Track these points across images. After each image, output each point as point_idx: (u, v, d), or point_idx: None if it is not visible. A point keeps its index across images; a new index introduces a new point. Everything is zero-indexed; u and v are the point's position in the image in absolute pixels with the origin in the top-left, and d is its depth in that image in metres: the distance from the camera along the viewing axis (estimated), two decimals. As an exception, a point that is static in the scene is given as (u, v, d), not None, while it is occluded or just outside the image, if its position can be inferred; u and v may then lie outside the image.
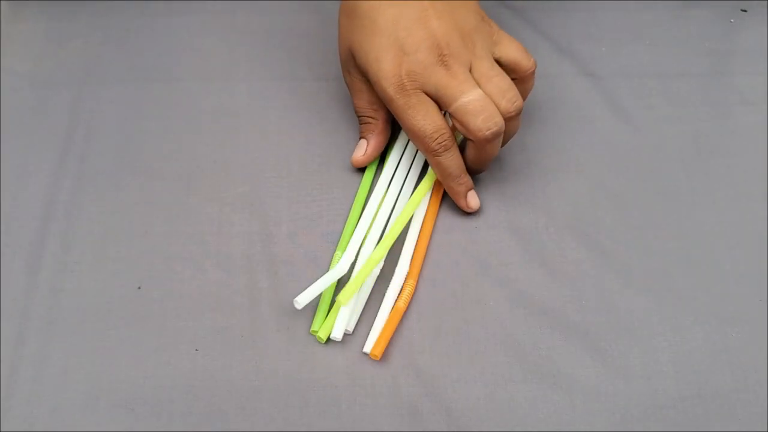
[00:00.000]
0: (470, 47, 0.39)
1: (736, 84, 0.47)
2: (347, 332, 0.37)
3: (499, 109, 0.38)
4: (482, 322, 0.38)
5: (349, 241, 0.39)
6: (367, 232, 0.39)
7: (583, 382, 0.36)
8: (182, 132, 0.44)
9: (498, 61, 0.40)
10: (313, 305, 0.37)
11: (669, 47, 0.49)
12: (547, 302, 0.38)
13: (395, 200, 0.41)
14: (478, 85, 0.38)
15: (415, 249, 0.39)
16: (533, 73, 0.41)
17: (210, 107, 0.45)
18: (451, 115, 0.38)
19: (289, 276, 0.39)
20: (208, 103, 0.45)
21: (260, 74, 0.47)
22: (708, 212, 0.42)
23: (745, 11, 0.51)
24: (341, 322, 0.36)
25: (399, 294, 0.38)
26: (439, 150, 0.39)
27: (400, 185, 0.42)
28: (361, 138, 0.42)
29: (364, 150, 0.42)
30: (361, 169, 0.43)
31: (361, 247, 0.39)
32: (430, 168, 0.41)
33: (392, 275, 0.38)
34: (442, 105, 0.38)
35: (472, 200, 0.41)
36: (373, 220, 0.40)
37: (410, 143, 0.43)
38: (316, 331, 0.37)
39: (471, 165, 0.41)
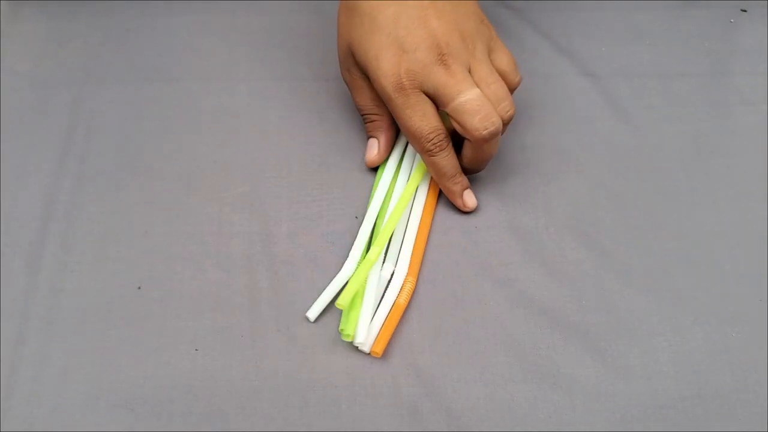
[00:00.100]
0: (470, 49, 0.39)
1: (736, 84, 0.47)
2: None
3: None
4: (482, 322, 0.38)
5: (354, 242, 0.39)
6: (374, 232, 0.40)
7: (583, 382, 0.36)
8: (182, 132, 0.44)
9: None
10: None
11: (669, 47, 0.49)
12: (547, 302, 0.38)
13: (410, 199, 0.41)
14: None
15: (414, 246, 0.39)
16: (515, 89, 0.41)
17: (210, 107, 0.45)
18: (449, 116, 0.38)
19: (289, 276, 0.39)
20: (208, 103, 0.45)
21: (260, 74, 0.47)
22: (708, 212, 0.42)
23: (745, 11, 0.51)
24: (363, 327, 0.36)
25: (399, 291, 0.38)
26: (434, 150, 0.39)
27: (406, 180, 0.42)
28: (369, 137, 0.42)
29: (376, 149, 0.42)
30: (364, 168, 0.43)
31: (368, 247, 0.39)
32: (418, 162, 0.41)
33: (391, 274, 0.39)
34: (439, 104, 0.38)
35: (469, 199, 0.41)
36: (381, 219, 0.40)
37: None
38: (343, 330, 0.36)
39: (468, 165, 0.41)
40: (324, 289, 0.38)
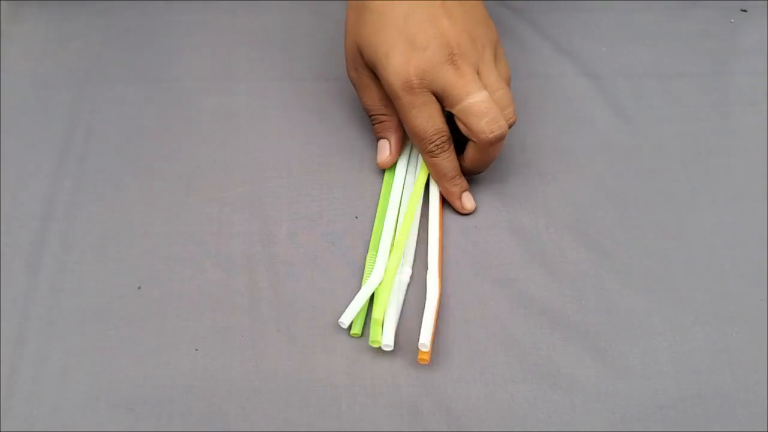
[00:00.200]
0: (479, 51, 0.39)
1: (736, 84, 0.47)
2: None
3: None
4: (482, 322, 0.38)
5: (379, 245, 0.39)
6: (394, 235, 0.40)
7: (583, 382, 0.36)
8: (182, 132, 0.44)
9: None
10: (314, 307, 0.37)
11: (669, 47, 0.49)
12: (547, 302, 0.38)
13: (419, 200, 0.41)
14: None
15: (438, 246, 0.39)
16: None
17: (210, 107, 0.45)
18: (454, 115, 0.38)
19: (289, 276, 0.39)
20: (208, 103, 0.45)
21: (260, 74, 0.47)
22: (708, 212, 0.42)
23: (745, 11, 0.51)
24: (389, 331, 0.36)
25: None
26: (436, 151, 0.39)
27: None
28: (379, 138, 0.42)
29: (388, 150, 0.42)
30: (364, 168, 0.43)
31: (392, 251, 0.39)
32: (422, 163, 0.41)
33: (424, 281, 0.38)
34: (447, 104, 0.38)
35: (467, 201, 0.41)
36: (398, 219, 0.40)
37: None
38: (358, 334, 0.36)
39: (469, 166, 0.41)
40: (351, 295, 0.37)
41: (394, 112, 0.41)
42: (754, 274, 0.39)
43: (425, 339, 0.35)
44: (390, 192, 0.41)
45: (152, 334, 0.37)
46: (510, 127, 0.39)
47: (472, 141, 0.39)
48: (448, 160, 0.40)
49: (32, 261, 0.39)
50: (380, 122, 0.42)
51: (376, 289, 0.37)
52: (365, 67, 0.40)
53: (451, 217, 0.41)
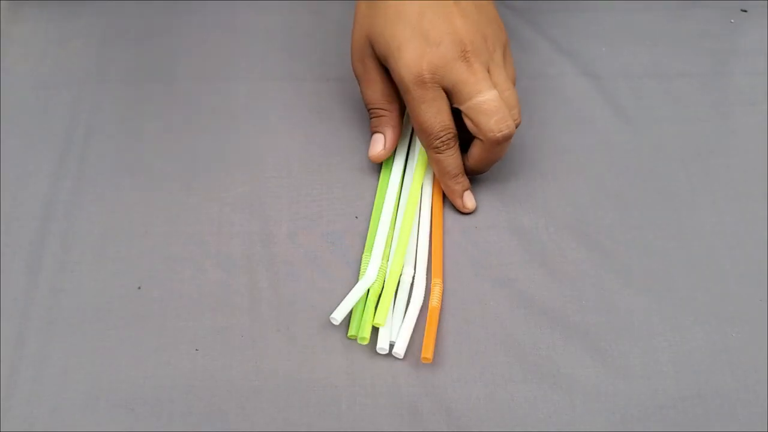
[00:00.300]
0: (490, 51, 0.39)
1: (736, 84, 0.47)
2: (391, 342, 0.37)
3: None
4: (482, 322, 0.38)
5: (374, 243, 0.39)
6: (390, 233, 0.40)
7: (583, 382, 0.36)
8: (182, 132, 0.44)
9: None
10: (314, 307, 0.38)
11: (669, 47, 0.49)
12: (547, 302, 0.38)
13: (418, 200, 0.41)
14: None
15: (432, 248, 0.39)
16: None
17: (210, 107, 0.45)
18: (463, 113, 0.38)
19: (289, 276, 0.39)
20: (208, 103, 0.45)
21: (260, 74, 0.47)
22: (708, 212, 0.42)
23: (745, 11, 0.51)
24: (390, 334, 0.36)
25: (430, 294, 0.38)
26: (442, 147, 0.39)
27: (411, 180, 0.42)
28: (374, 132, 0.42)
29: (382, 144, 0.41)
30: (364, 168, 0.43)
31: (388, 250, 0.39)
32: (417, 163, 0.41)
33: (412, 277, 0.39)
34: (456, 100, 0.38)
35: (468, 200, 0.41)
36: (394, 219, 0.40)
37: (413, 136, 0.43)
38: (355, 335, 0.36)
39: (473, 165, 0.41)
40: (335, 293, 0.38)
41: (394, 108, 0.41)
42: (754, 274, 0.39)
43: (400, 349, 0.36)
44: (386, 192, 0.41)
45: (152, 334, 0.37)
46: (516, 127, 0.39)
47: (479, 139, 0.39)
48: (452, 157, 0.40)
49: (32, 261, 0.39)
50: (379, 116, 0.42)
51: (380, 294, 0.37)
52: (373, 60, 0.40)
53: (451, 217, 0.41)
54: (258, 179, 0.42)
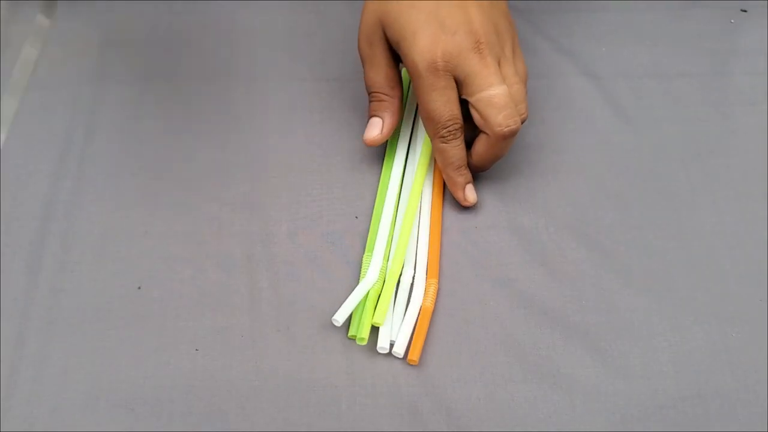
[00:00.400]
0: (502, 45, 0.39)
1: (736, 84, 0.47)
2: (392, 342, 0.37)
3: None
4: (482, 322, 0.38)
5: (375, 244, 0.39)
6: (391, 234, 0.40)
7: (583, 382, 0.36)
8: (182, 132, 0.44)
9: None
10: (314, 307, 0.38)
11: (669, 47, 0.49)
12: (547, 302, 0.38)
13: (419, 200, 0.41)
14: None
15: (429, 248, 0.39)
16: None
17: (210, 107, 0.45)
18: (471, 104, 0.38)
19: (289, 276, 0.39)
20: (209, 103, 0.45)
21: (260, 74, 0.47)
22: (708, 212, 0.42)
23: (745, 11, 0.51)
24: (385, 335, 0.36)
25: (424, 295, 0.38)
26: (448, 137, 0.39)
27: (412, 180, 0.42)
28: (372, 116, 0.41)
29: (379, 129, 0.41)
30: (364, 168, 0.43)
31: (388, 250, 0.39)
32: (419, 163, 0.41)
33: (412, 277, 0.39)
34: (466, 91, 0.38)
35: (470, 194, 0.41)
36: (394, 219, 0.40)
37: (413, 134, 0.43)
38: (355, 336, 0.36)
39: (476, 161, 0.41)
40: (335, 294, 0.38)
41: (396, 95, 0.41)
42: (754, 274, 0.39)
43: (400, 348, 0.36)
44: (386, 192, 0.41)
45: (152, 334, 0.37)
46: (522, 123, 0.39)
47: (484, 134, 0.39)
48: (457, 148, 0.39)
49: (32, 261, 0.39)
50: (380, 101, 0.41)
51: (380, 294, 0.37)
52: (382, 43, 0.40)
53: (451, 217, 0.41)
54: (258, 179, 0.42)
